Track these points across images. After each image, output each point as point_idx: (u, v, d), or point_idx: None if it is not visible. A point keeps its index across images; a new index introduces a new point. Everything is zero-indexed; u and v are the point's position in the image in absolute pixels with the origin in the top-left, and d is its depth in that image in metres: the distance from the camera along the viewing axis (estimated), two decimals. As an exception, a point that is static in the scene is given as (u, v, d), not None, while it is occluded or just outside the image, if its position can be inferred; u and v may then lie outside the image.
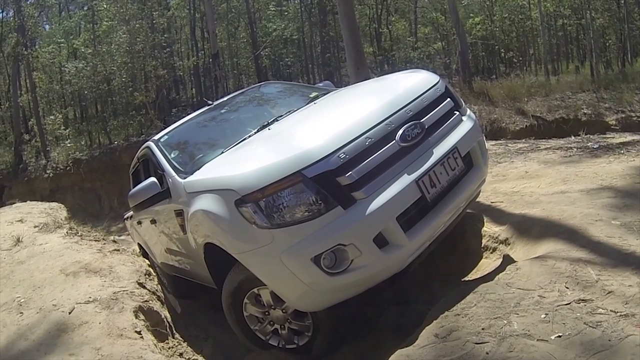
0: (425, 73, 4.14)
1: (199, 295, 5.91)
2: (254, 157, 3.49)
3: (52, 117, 23.85)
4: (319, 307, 3.25)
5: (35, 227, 6.51)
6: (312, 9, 28.64)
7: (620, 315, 2.49)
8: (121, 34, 23.01)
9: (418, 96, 3.59)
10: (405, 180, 3.15)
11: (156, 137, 5.11)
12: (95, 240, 5.51)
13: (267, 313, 3.61)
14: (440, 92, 3.77)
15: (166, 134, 5.11)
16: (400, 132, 3.26)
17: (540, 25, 24.04)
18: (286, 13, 29.55)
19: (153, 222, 5.01)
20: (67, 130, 23.78)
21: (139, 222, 6.00)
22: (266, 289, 3.42)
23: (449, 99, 3.77)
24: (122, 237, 8.16)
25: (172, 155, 4.52)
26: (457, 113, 3.78)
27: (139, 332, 3.36)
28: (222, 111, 5.42)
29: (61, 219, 7.40)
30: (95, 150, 21.42)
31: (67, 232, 5.88)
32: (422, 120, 3.40)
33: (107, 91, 23.82)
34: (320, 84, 5.89)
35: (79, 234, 5.89)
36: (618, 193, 4.29)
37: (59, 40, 29.81)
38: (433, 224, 3.25)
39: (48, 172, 20.45)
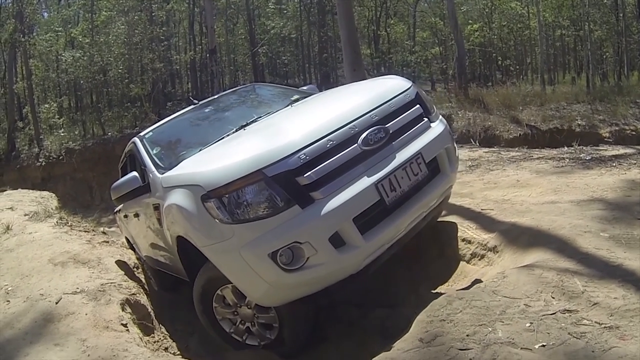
0: (398, 79, 4.19)
1: (184, 289, 5.90)
2: (224, 155, 3.57)
3: (46, 105, 23.78)
4: (277, 302, 3.35)
5: (25, 215, 6.49)
6: (311, 8, 28.68)
7: (605, 327, 2.50)
8: (119, 25, 22.98)
9: (386, 101, 3.66)
10: (364, 182, 3.21)
11: (142, 133, 5.21)
12: (85, 231, 5.51)
13: (235, 313, 3.71)
14: (410, 98, 3.83)
15: (151, 130, 5.22)
16: (363, 135, 3.32)
17: (538, 35, 24.09)
18: (285, 11, 29.58)
19: (137, 215, 5.06)
20: (61, 120, 23.71)
21: (126, 216, 6.00)
22: (228, 289, 3.55)
23: (418, 105, 3.83)
24: (112, 229, 8.14)
25: (154, 152, 4.62)
26: (426, 119, 3.84)
27: (125, 325, 3.37)
28: (206, 110, 5.54)
29: (52, 208, 7.38)
30: (89, 141, 21.32)
31: (57, 222, 5.87)
32: (386, 125, 3.46)
33: (103, 82, 23.73)
34: (305, 87, 5.93)
35: (69, 224, 5.88)
36: (608, 205, 4.30)
37: (56, 29, 29.75)
38: (392, 228, 3.31)
39: (40, 160, 20.36)
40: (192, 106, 5.61)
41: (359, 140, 3.30)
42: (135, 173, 4.30)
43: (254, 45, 27.77)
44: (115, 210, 7.62)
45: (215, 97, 6.01)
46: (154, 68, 22.68)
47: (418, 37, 31.66)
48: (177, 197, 3.46)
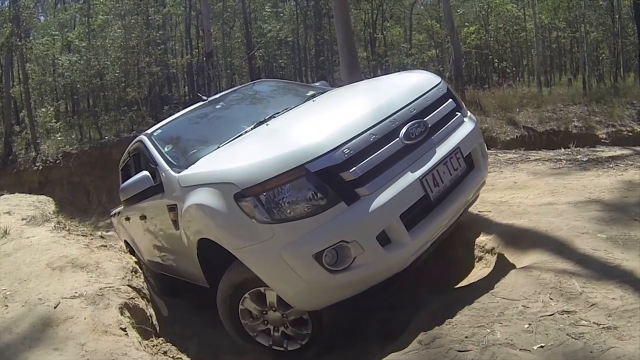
0: (427, 73, 4.11)
1: (184, 294, 5.89)
2: (254, 151, 3.43)
3: (43, 109, 23.78)
4: (317, 305, 3.18)
5: (23, 219, 6.47)
6: (307, 11, 28.68)
7: (603, 328, 2.51)
8: (116, 28, 23.02)
9: (421, 95, 3.55)
10: (409, 178, 3.10)
11: (149, 131, 5.02)
12: (83, 235, 5.48)
13: (264, 312, 3.51)
14: (443, 92, 3.74)
15: (159, 128, 5.03)
16: (404, 129, 3.22)
17: (534, 37, 24.16)
18: (282, 15, 29.55)
19: (142, 218, 4.92)
20: (58, 124, 23.67)
21: (127, 218, 5.93)
22: (273, 291, 3.32)
23: (450, 100, 3.74)
24: (110, 233, 8.13)
25: (166, 150, 4.43)
26: (459, 114, 3.75)
27: (124, 329, 3.35)
28: (217, 107, 5.33)
29: (49, 213, 7.35)
30: (86, 145, 21.28)
31: (54, 226, 5.84)
32: (425, 119, 3.36)
33: (100, 86, 23.71)
34: (317, 84, 5.85)
35: (67, 228, 5.86)
36: (605, 206, 4.31)
37: (53, 33, 29.70)
38: (435, 224, 3.20)
39: (37, 164, 20.29)
40: (200, 102, 5.43)
41: (401, 135, 3.20)
42: (146, 172, 4.17)
43: (250, 49, 27.76)
44: (112, 213, 7.60)
45: (225, 92, 5.85)
46: (150, 72, 22.67)
47: (414, 40, 31.69)
48: (202, 197, 3.30)
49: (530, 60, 29.27)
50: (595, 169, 6.03)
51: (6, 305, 3.75)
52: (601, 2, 24.72)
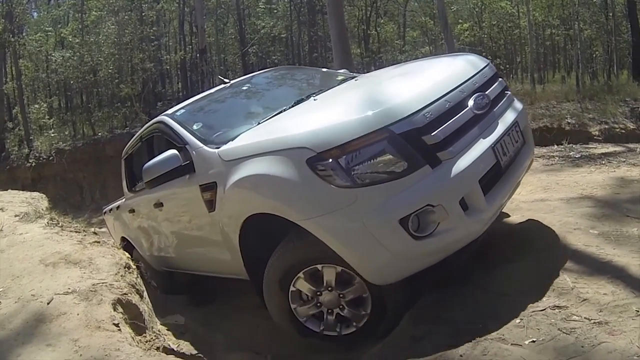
0: (474, 55, 4.06)
1: (182, 290, 5.88)
2: (323, 116, 3.24)
3: (36, 105, 23.80)
4: (395, 277, 2.97)
5: (15, 216, 6.44)
6: (301, 8, 28.65)
7: (594, 323, 2.52)
8: (110, 24, 22.96)
9: (478, 71, 3.52)
10: (483, 145, 3.05)
11: (169, 111, 4.77)
12: (76, 232, 5.45)
13: (319, 293, 3.28)
14: (494, 72, 3.72)
15: (181, 108, 4.79)
16: (472, 100, 3.18)
17: (528, 34, 24.20)
18: (275, 11, 29.51)
19: (158, 205, 4.65)
20: (51, 120, 23.66)
21: (132, 210, 5.70)
22: (332, 268, 3.13)
23: (500, 79, 3.73)
24: (103, 230, 8.10)
25: (195, 127, 4.20)
26: (509, 92, 3.74)
27: (117, 325, 3.33)
28: (243, 88, 5.15)
29: (42, 209, 7.33)
30: (79, 141, 21.26)
31: (47, 223, 5.81)
32: (487, 92, 3.33)
33: (93, 82, 23.66)
34: (340, 70, 5.73)
35: (60, 224, 5.83)
36: (598, 203, 4.35)
37: (46, 29, 29.63)
38: (504, 192, 3.16)
39: (30, 161, 20.28)
40: (222, 85, 5.22)
41: (470, 104, 3.14)
42: (174, 151, 3.91)
43: (244, 45, 27.75)
44: (105, 210, 7.47)
45: (249, 76, 5.66)
46: (144, 68, 22.64)
47: (408, 37, 31.70)
48: (261, 167, 3.12)
49: (524, 58, 29.27)
50: (588, 165, 6.06)
51: (-1, 302, 3.74)
52: (595, 0, 24.77)
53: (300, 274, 3.25)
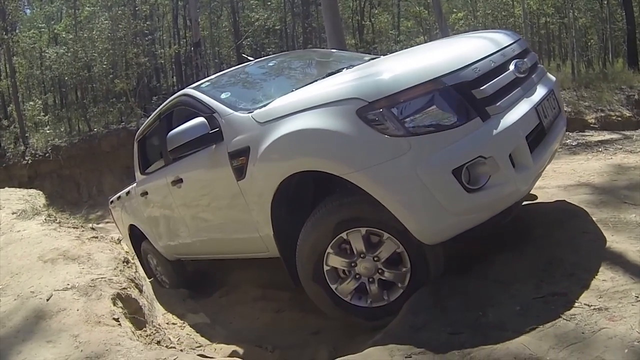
0: (506, 30, 4.02)
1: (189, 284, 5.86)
2: (368, 72, 3.14)
3: (31, 103, 23.67)
4: (446, 234, 2.89)
5: (13, 213, 6.44)
6: (295, -1, 28.60)
7: (594, 309, 2.52)
8: (103, 20, 22.86)
9: (514, 41, 3.54)
10: (527, 104, 3.08)
11: (192, 85, 4.65)
12: (74, 228, 5.46)
13: (353, 264, 3.17)
14: (526, 45, 3.72)
15: (207, 81, 4.67)
16: (513, 64, 3.19)
17: (523, 23, 24.17)
18: (269, 3, 29.44)
19: (176, 182, 4.47)
20: (47, 117, 23.58)
21: (144, 193, 5.52)
22: (357, 232, 3.07)
23: (532, 53, 3.74)
24: (100, 225, 8.10)
25: (223, 96, 4.06)
26: (541, 66, 3.77)
27: (116, 320, 3.33)
28: (270, 64, 5.05)
29: (39, 206, 7.32)
30: (75, 137, 21.21)
31: (45, 219, 5.82)
32: (524, 59, 3.34)
33: (88, 78, 23.60)
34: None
35: (57, 221, 5.83)
36: (595, 190, 4.37)
37: (39, 25, 29.53)
38: (546, 153, 3.15)
39: (27, 158, 20.21)
40: (246, 63, 5.13)
41: (511, 67, 3.17)
42: (202, 118, 3.76)
43: (238, 38, 27.68)
44: (111, 200, 7.24)
45: (274, 55, 5.60)
46: (138, 63, 22.57)
47: (402, 27, 31.68)
48: (304, 122, 3.04)
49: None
50: (585, 153, 6.09)
51: (-2, 299, 3.74)
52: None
53: (329, 249, 3.19)
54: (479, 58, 3.02)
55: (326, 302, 3.36)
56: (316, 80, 3.79)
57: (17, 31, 26.34)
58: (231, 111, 3.73)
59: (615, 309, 2.51)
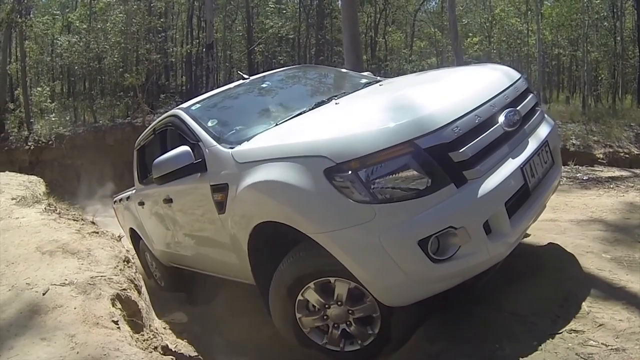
0: (505, 67, 3.86)
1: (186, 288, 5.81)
2: (344, 124, 3.08)
3: (39, 88, 23.76)
4: (408, 299, 2.82)
5: (12, 199, 6.34)
6: (310, 10, 28.68)
7: (612, 349, 2.48)
8: (118, 13, 22.88)
9: (510, 85, 3.35)
10: (512, 165, 2.88)
11: (184, 105, 4.62)
12: (74, 220, 5.35)
13: (327, 306, 3.13)
14: (525, 86, 3.56)
15: (197, 102, 4.61)
16: (502, 116, 2.98)
17: (537, 52, 24.24)
18: (284, 11, 29.54)
19: (167, 201, 4.52)
20: (53, 104, 23.57)
21: (141, 203, 5.60)
22: (346, 283, 2.98)
23: (532, 95, 3.58)
24: (99, 219, 7.98)
25: (210, 124, 4.05)
26: (540, 109, 3.59)
27: (116, 322, 3.18)
28: (262, 86, 4.98)
29: (40, 194, 7.22)
30: (80, 128, 21.24)
31: (45, 208, 5.70)
32: (518, 108, 3.15)
33: (98, 69, 23.69)
34: (365, 73, 5.54)
35: (58, 211, 5.72)
36: (609, 227, 4.30)
37: (54, 12, 29.59)
38: (529, 215, 2.98)
39: (29, 144, 20.23)
40: (240, 81, 5.05)
41: (500, 120, 2.95)
42: (187, 147, 3.76)
43: (250, 43, 27.75)
44: (115, 199, 7.33)
45: (269, 73, 5.47)
46: (149, 59, 22.59)
47: (415, 47, 31.75)
48: (275, 173, 2.96)
49: (530, 75, 29.37)
50: (596, 188, 6.03)
51: (-8, 288, 3.61)
52: (606, 23, 24.85)
53: (311, 284, 3.10)
54: (463, 114, 2.83)
55: (285, 326, 3.37)
56: (302, 112, 3.80)
57: (31, 15, 26.33)
58: (215, 143, 3.72)
59: (632, 350, 2.47)
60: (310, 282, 3.09)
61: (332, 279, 3.02)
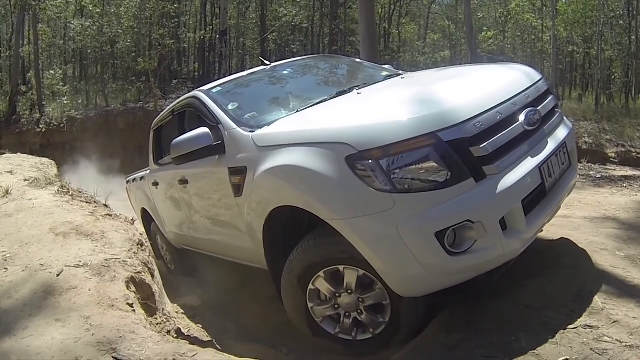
0: (527, 67, 3.84)
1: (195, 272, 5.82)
2: (366, 113, 3.08)
3: (51, 72, 23.75)
4: (422, 291, 2.85)
5: (25, 180, 6.38)
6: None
7: (626, 346, 2.48)
8: (131, -3, 22.86)
9: (532, 85, 3.35)
10: (530, 163, 2.90)
11: (204, 87, 4.62)
12: (87, 202, 5.37)
13: (338, 295, 3.16)
14: (546, 87, 3.55)
15: (218, 85, 4.62)
16: (523, 115, 2.99)
17: (551, 48, 24.06)
18: (298, 0, 29.39)
19: (182, 182, 4.53)
20: (65, 87, 23.60)
21: (155, 183, 5.61)
22: (354, 271, 3.01)
23: (552, 96, 3.57)
24: (110, 202, 8.01)
25: (230, 107, 4.04)
26: (559, 111, 3.60)
27: (131, 305, 3.18)
28: (284, 72, 4.99)
29: (52, 176, 7.26)
30: (91, 111, 21.30)
31: (58, 190, 5.72)
32: (538, 108, 3.15)
33: (110, 53, 23.70)
34: (385, 66, 5.53)
35: (70, 193, 5.74)
36: (622, 225, 4.31)
37: (68, -4, 29.54)
38: (545, 215, 2.99)
39: (41, 126, 20.32)
40: (262, 67, 5.07)
41: (521, 119, 2.97)
42: (206, 129, 3.77)
43: (264, 31, 27.63)
44: (127, 179, 7.37)
45: (290, 60, 5.50)
46: (162, 44, 22.57)
47: (429, 39, 31.60)
48: (296, 158, 2.98)
49: (543, 72, 29.17)
50: (609, 186, 6.04)
51: (5, 268, 3.61)
52: (621, 22, 24.63)
53: (321, 273, 3.14)
54: (485, 110, 2.85)
55: (298, 316, 3.39)
56: (324, 101, 3.81)
57: (44, -2, 26.40)
58: (235, 126, 3.73)
59: (646, 347, 2.46)
60: (319, 270, 3.13)
61: (341, 267, 3.05)
